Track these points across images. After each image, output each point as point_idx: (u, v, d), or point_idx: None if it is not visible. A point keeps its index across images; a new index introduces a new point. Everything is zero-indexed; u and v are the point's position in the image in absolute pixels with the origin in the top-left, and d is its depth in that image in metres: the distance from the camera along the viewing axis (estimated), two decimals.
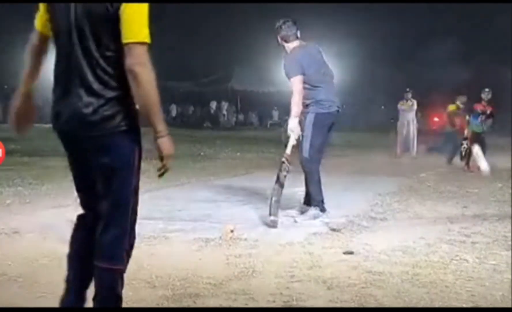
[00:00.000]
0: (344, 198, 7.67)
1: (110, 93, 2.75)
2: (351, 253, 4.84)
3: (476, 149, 12.24)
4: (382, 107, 41.85)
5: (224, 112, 37.84)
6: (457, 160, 13.16)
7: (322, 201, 6.31)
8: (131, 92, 2.76)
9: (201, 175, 9.67)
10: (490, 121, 12.90)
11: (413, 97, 16.49)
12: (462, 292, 3.91)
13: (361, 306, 3.64)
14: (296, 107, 6.17)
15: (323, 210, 6.29)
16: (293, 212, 6.45)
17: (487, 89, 12.89)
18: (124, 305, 2.95)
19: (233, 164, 13.21)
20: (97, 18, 2.71)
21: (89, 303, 2.94)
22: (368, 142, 21.21)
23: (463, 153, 12.61)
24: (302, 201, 6.60)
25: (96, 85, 2.74)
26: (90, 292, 2.94)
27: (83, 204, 2.99)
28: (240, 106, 38.52)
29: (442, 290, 3.92)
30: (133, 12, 2.68)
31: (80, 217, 3.01)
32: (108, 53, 2.74)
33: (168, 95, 31.67)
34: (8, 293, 3.78)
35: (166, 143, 2.78)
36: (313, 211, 6.25)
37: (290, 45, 6.40)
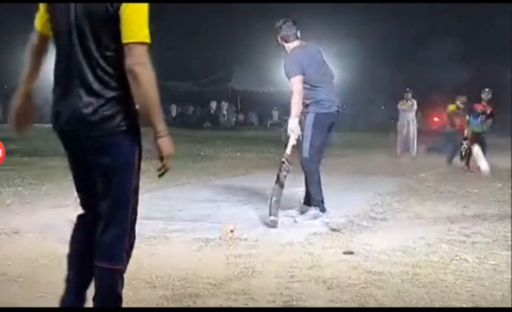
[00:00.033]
0: (344, 198, 7.67)
1: (110, 93, 2.75)
2: (351, 253, 4.84)
3: (476, 149, 12.23)
4: (382, 107, 41.85)
5: (224, 112, 37.84)
6: (457, 160, 13.15)
7: (322, 201, 6.30)
8: (131, 92, 2.76)
9: (201, 175, 9.68)
10: (490, 121, 12.89)
11: (413, 97, 16.49)
12: (462, 292, 3.91)
13: (361, 306, 3.64)
14: (296, 107, 6.17)
15: (323, 210, 6.29)
16: (293, 212, 6.46)
17: (487, 89, 12.88)
18: (124, 305, 2.95)
19: (233, 164, 13.21)
20: (97, 18, 2.71)
21: (89, 303, 2.93)
22: (368, 142, 21.20)
23: (463, 153, 12.61)
24: (302, 201, 6.60)
25: (96, 85, 2.74)
26: (90, 292, 2.94)
27: (83, 204, 2.99)
28: (240, 106, 38.52)
29: (442, 290, 3.92)
30: (133, 12, 2.68)
31: (80, 217, 3.01)
32: (108, 53, 2.74)
33: (168, 95, 31.68)
34: (8, 293, 3.78)
35: (166, 143, 2.78)
36: (313, 211, 6.26)
37: (290, 45, 6.40)
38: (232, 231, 5.33)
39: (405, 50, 40.36)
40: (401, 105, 16.42)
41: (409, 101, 16.37)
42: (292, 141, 6.18)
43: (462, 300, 3.77)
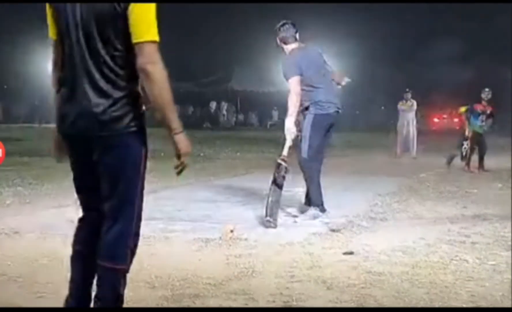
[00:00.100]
0: (344, 198, 7.67)
1: (118, 93, 2.74)
2: (351, 253, 4.84)
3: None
4: (382, 107, 41.85)
5: (224, 112, 37.85)
6: (457, 160, 13.11)
7: (322, 203, 6.31)
8: (139, 92, 2.77)
9: (201, 175, 9.68)
10: (490, 121, 12.87)
11: (412, 97, 16.49)
12: (462, 292, 3.90)
13: (361, 306, 3.63)
14: (292, 107, 6.19)
15: (323, 210, 6.29)
16: (293, 211, 6.47)
17: (487, 89, 12.86)
18: (123, 305, 2.95)
19: (233, 164, 13.22)
20: (104, 18, 2.70)
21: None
22: (368, 143, 21.21)
23: (464, 153, 12.58)
24: (303, 201, 6.61)
25: (104, 86, 2.74)
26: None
27: (84, 205, 2.99)
28: (240, 107, 38.53)
29: (442, 291, 3.92)
30: (142, 12, 2.69)
31: (81, 219, 3.01)
32: (116, 53, 2.73)
33: None
34: (8, 293, 3.78)
35: (182, 140, 2.80)
36: (312, 211, 6.26)
37: (289, 47, 6.44)
38: (232, 231, 5.34)
39: (405, 50, 40.40)
40: (401, 106, 16.42)
41: (408, 101, 16.37)
42: (288, 142, 6.20)
43: (462, 300, 3.77)
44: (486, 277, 4.25)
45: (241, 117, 39.05)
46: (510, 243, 5.23)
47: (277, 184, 6.00)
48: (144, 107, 2.83)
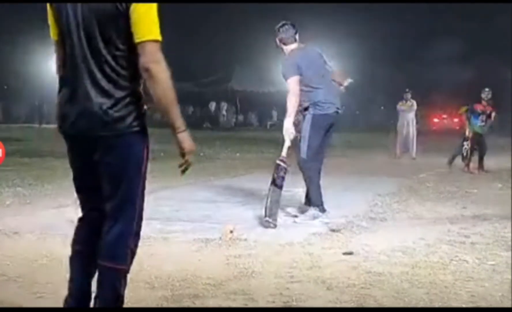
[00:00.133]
0: (343, 198, 7.67)
1: (120, 93, 2.74)
2: (350, 253, 4.84)
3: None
4: (382, 107, 41.86)
5: (224, 112, 37.84)
6: (458, 160, 13.09)
7: (322, 203, 6.31)
8: (141, 92, 2.77)
9: (200, 175, 9.67)
10: (491, 121, 12.85)
11: (412, 97, 16.48)
12: (462, 292, 3.90)
13: (361, 307, 3.63)
14: (291, 108, 6.20)
15: (322, 210, 6.29)
16: (293, 211, 6.47)
17: (487, 89, 12.85)
18: (123, 305, 2.94)
19: (232, 164, 13.23)
20: (106, 18, 2.70)
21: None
22: (368, 143, 21.22)
23: (464, 154, 12.55)
24: (303, 201, 6.61)
25: (106, 85, 2.74)
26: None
27: (85, 205, 2.99)
28: (240, 107, 38.52)
29: (441, 291, 3.92)
30: (144, 11, 2.69)
31: (81, 219, 3.01)
32: (118, 53, 2.73)
33: None
34: (7, 293, 3.78)
35: (186, 139, 2.80)
36: (312, 211, 6.26)
37: (288, 48, 6.45)
38: (231, 232, 5.33)
39: (405, 50, 40.43)
40: (400, 106, 16.42)
41: (408, 101, 16.37)
42: (287, 143, 6.20)
43: (461, 300, 3.77)
44: (486, 277, 4.25)
45: (241, 117, 39.05)
46: (510, 243, 5.23)
47: (276, 185, 6.00)
48: (145, 107, 2.84)
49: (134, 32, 2.69)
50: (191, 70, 35.84)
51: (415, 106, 16.41)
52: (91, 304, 2.92)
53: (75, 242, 2.98)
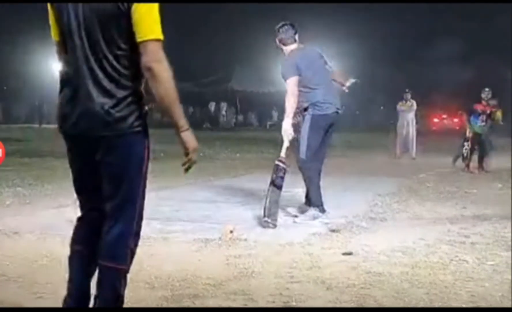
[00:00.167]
0: (343, 198, 7.67)
1: (122, 93, 2.74)
2: (350, 253, 4.83)
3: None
4: (382, 107, 41.85)
5: (224, 113, 37.84)
6: (459, 160, 13.08)
7: (322, 204, 6.31)
8: (142, 91, 2.77)
9: (201, 175, 9.68)
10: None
11: (412, 97, 16.48)
12: (462, 292, 3.90)
13: (361, 307, 3.63)
14: (290, 108, 6.21)
15: (322, 210, 6.30)
16: (293, 211, 6.47)
17: (487, 89, 12.85)
18: (123, 305, 2.94)
19: (232, 164, 13.23)
20: (108, 18, 2.70)
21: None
22: (367, 143, 21.23)
23: (465, 154, 12.53)
24: (303, 201, 6.61)
25: (108, 85, 2.73)
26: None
27: (84, 206, 2.98)
28: (240, 107, 38.52)
29: (441, 291, 3.92)
30: (145, 10, 2.69)
31: (80, 219, 3.00)
32: (119, 52, 2.73)
33: None
34: (7, 293, 3.78)
35: (189, 137, 2.81)
36: (312, 211, 6.26)
37: (288, 48, 6.46)
38: (231, 232, 5.33)
39: (405, 50, 40.45)
40: (400, 106, 16.42)
41: (408, 102, 16.37)
42: (286, 143, 6.21)
43: (461, 300, 3.77)
44: (486, 277, 4.25)
45: (240, 117, 39.05)
46: (510, 243, 5.23)
47: (276, 185, 6.00)
48: (146, 107, 2.84)
49: (136, 32, 2.69)
50: (191, 70, 35.87)
51: (415, 107, 16.41)
52: (91, 304, 2.92)
53: (74, 242, 2.98)
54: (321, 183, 6.38)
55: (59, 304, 3.01)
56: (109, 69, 2.74)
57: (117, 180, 2.81)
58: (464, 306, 3.69)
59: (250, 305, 3.64)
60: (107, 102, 2.73)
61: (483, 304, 3.71)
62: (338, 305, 3.65)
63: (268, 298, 3.75)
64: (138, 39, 2.69)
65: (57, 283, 3.62)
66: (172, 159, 11.98)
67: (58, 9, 2.81)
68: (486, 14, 37.24)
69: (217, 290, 3.85)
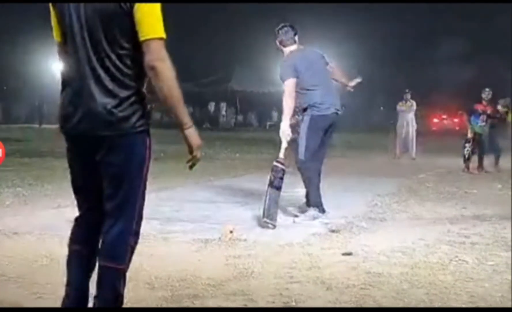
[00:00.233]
0: (343, 198, 7.67)
1: (124, 93, 2.74)
2: (350, 254, 4.83)
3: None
4: (382, 108, 41.85)
5: (223, 113, 37.83)
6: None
7: (321, 204, 6.32)
8: (144, 91, 2.78)
9: (200, 176, 9.68)
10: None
11: (412, 98, 16.48)
12: (462, 293, 3.90)
13: (360, 307, 3.63)
14: (287, 109, 6.22)
15: (322, 210, 6.30)
16: (293, 212, 6.47)
17: (487, 89, 12.84)
18: (123, 305, 2.94)
19: (232, 164, 13.23)
20: (110, 17, 2.70)
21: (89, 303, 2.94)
22: (367, 143, 21.22)
23: (466, 156, 12.50)
24: (304, 201, 6.61)
25: (110, 85, 2.73)
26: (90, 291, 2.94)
27: (82, 205, 2.98)
28: (240, 107, 38.50)
29: (441, 291, 3.92)
30: (148, 9, 2.69)
31: (77, 219, 3.00)
32: (122, 51, 2.73)
33: None
34: (7, 293, 3.78)
35: (193, 135, 2.82)
36: (312, 211, 6.27)
37: (287, 50, 6.47)
38: (231, 232, 5.33)
39: (405, 50, 40.44)
40: (400, 106, 16.42)
41: (408, 102, 16.36)
42: (284, 144, 6.21)
43: (461, 301, 3.77)
44: (486, 277, 4.25)
45: (240, 118, 39.04)
46: (509, 243, 5.23)
47: (274, 186, 6.00)
48: (148, 107, 2.84)
49: (139, 31, 2.70)
50: (191, 70, 35.85)
51: (414, 107, 16.40)
52: (91, 304, 2.92)
53: (73, 242, 2.98)
54: (321, 183, 6.39)
55: (58, 304, 3.01)
56: (111, 68, 2.74)
57: (118, 180, 2.81)
58: (464, 306, 3.69)
59: (250, 305, 3.64)
60: (110, 102, 2.73)
61: (483, 305, 3.71)
62: (337, 305, 3.65)
63: (267, 298, 3.75)
64: (141, 38, 2.70)
65: (56, 283, 3.62)
66: (172, 159, 12.00)
67: (60, 10, 2.81)
68: (486, 14, 37.25)
69: (217, 290, 3.85)
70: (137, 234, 2.91)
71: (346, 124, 21.61)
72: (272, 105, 35.86)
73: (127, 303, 3.02)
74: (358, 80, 6.79)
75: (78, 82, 2.78)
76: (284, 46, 6.49)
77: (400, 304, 3.69)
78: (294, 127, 6.30)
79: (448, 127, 37.00)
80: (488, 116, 12.66)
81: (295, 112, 6.36)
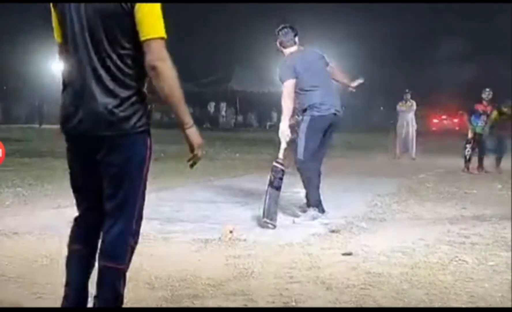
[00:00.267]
0: (343, 199, 7.67)
1: (125, 93, 2.75)
2: (350, 254, 4.83)
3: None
4: (381, 108, 41.85)
5: (223, 113, 37.81)
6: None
7: (321, 203, 6.32)
8: (145, 91, 2.78)
9: (200, 176, 9.68)
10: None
11: (412, 98, 16.48)
12: (462, 293, 3.90)
13: (360, 307, 3.63)
14: (286, 110, 6.23)
15: (322, 211, 6.30)
16: (293, 212, 6.48)
17: (487, 89, 12.83)
18: (123, 305, 2.95)
19: (232, 164, 13.23)
20: (111, 17, 2.71)
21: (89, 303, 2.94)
22: (367, 143, 21.22)
23: (467, 157, 12.49)
24: (304, 201, 6.61)
25: (111, 85, 2.74)
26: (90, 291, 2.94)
27: (81, 205, 2.98)
28: (240, 107, 38.48)
29: (441, 291, 3.92)
30: (148, 9, 2.70)
31: (77, 219, 3.00)
32: (123, 51, 2.74)
33: None
34: (7, 293, 3.78)
35: (195, 134, 2.84)
36: (312, 211, 6.27)
37: (287, 51, 6.48)
38: (231, 232, 5.34)
39: (405, 50, 40.44)
40: (400, 106, 16.42)
41: (408, 102, 16.37)
42: (283, 145, 6.22)
43: (461, 301, 3.77)
44: (486, 277, 4.25)
45: (240, 118, 39.02)
46: (509, 243, 5.23)
47: (274, 186, 6.01)
48: (148, 107, 2.84)
49: (139, 31, 2.70)
50: (191, 70, 35.85)
51: (414, 107, 16.40)
52: (90, 304, 2.92)
53: (73, 242, 2.98)
54: (321, 184, 6.39)
55: (58, 304, 3.01)
56: (112, 68, 2.74)
57: (118, 180, 2.81)
58: (463, 306, 3.69)
59: (250, 305, 3.64)
60: (111, 102, 2.73)
61: (482, 305, 3.71)
62: (337, 306, 3.65)
63: (267, 298, 3.75)
64: (142, 38, 2.70)
65: (56, 283, 3.62)
66: (172, 159, 12.00)
67: (61, 10, 2.82)
68: (486, 14, 37.25)
69: (217, 290, 3.85)
70: (137, 234, 2.91)
71: (346, 125, 21.58)
72: (272, 105, 35.82)
73: (127, 303, 3.02)
74: (360, 81, 6.79)
75: (79, 82, 2.78)
76: (284, 47, 6.49)
77: (400, 304, 3.69)
78: (293, 128, 6.30)
79: (448, 127, 36.99)
80: (488, 116, 12.61)
81: (294, 113, 6.36)
